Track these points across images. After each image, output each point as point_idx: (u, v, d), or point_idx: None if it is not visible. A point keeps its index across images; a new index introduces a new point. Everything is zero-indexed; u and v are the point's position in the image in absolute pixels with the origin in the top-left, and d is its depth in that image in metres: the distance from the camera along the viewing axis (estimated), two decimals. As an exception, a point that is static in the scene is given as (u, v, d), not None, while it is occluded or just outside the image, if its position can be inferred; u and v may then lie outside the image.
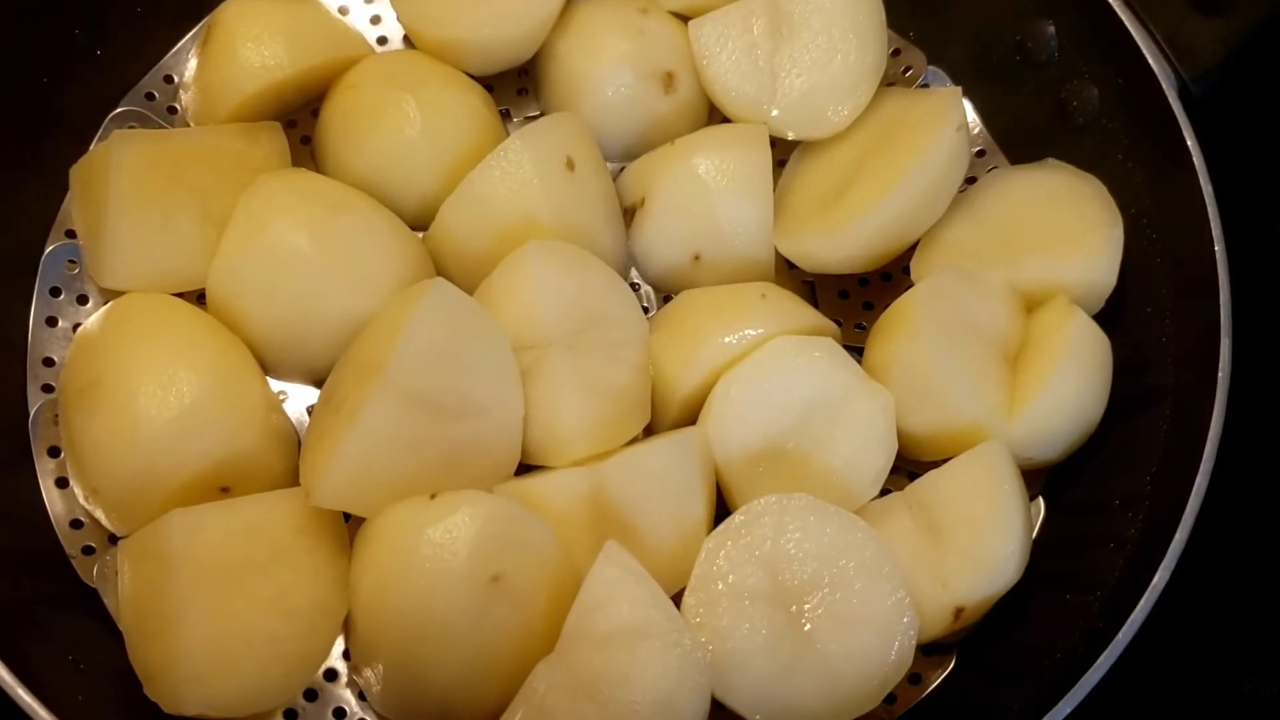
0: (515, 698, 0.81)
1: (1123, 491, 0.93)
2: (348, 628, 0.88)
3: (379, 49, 1.15)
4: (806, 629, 0.85)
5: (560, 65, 1.09)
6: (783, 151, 1.08)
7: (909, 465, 0.97)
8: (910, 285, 1.05)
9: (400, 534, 0.85)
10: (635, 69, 1.07)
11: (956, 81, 1.14)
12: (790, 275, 1.07)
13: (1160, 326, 0.97)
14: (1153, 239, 0.99)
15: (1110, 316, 0.98)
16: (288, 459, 0.94)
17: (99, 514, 0.91)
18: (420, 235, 1.02)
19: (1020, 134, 1.11)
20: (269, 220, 0.95)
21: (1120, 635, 0.81)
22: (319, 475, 0.86)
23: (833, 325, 1.00)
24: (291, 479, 0.93)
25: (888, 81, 1.08)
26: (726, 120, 1.09)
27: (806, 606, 0.85)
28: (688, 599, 0.86)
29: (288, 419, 0.97)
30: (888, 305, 1.06)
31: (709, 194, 1.01)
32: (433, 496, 0.85)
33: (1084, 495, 0.96)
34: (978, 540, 0.88)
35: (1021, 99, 1.10)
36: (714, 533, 0.87)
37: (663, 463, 0.90)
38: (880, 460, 0.93)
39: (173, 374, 0.89)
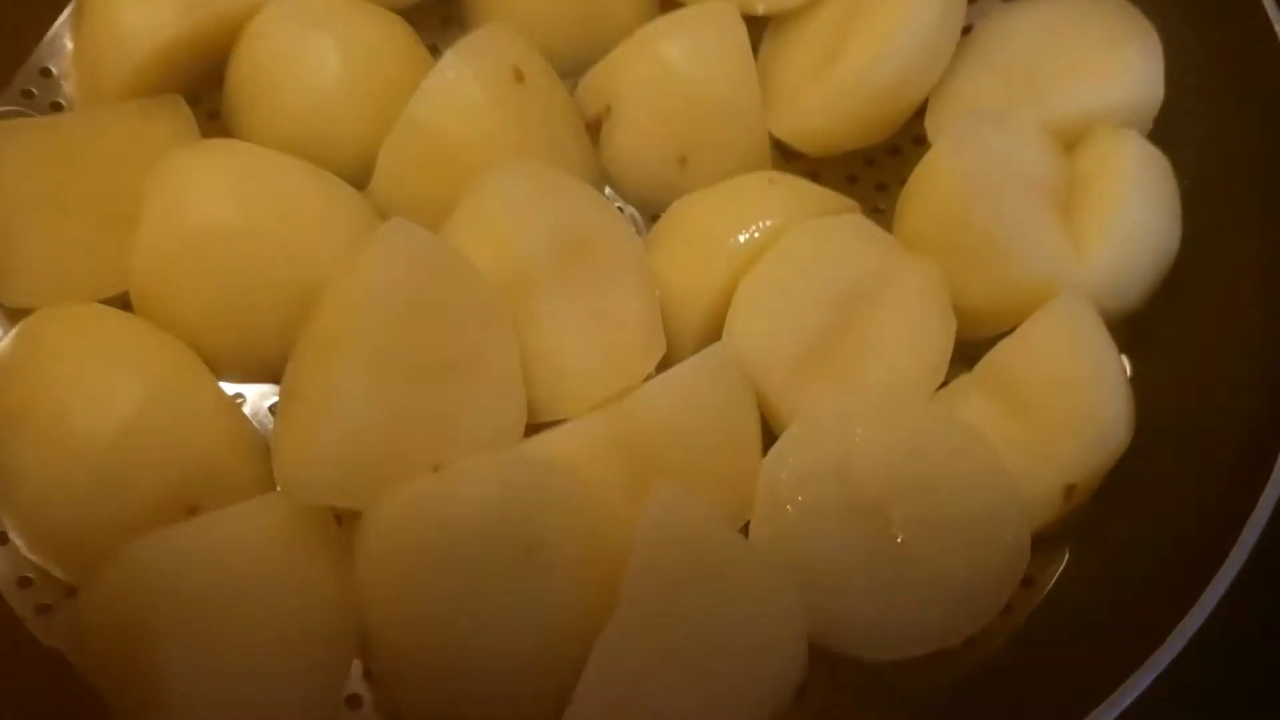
0: (585, 675, 0.67)
1: (1221, 333, 0.80)
2: (364, 644, 0.74)
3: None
4: (900, 541, 0.72)
5: (488, -20, 0.96)
6: (755, 30, 0.94)
7: (969, 345, 0.84)
8: (924, 155, 0.93)
9: (407, 519, 0.72)
10: (573, -34, 0.94)
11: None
12: (789, 167, 0.94)
13: (1225, 141, 0.84)
14: (1195, 44, 0.86)
15: (1162, 140, 0.86)
16: (258, 466, 0.80)
17: (49, 564, 0.77)
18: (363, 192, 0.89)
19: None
20: (185, 199, 0.82)
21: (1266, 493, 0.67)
22: (295, 469, 0.73)
23: (853, 202, 0.87)
24: (266, 487, 0.78)
25: (854, -70, 0.95)
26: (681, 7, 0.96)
27: (895, 515, 0.72)
28: (756, 530, 0.73)
29: (248, 422, 0.83)
30: (903, 182, 0.94)
31: (686, 84, 0.88)
32: (436, 469, 0.71)
33: (1173, 344, 0.83)
34: (1076, 404, 0.76)
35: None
36: (771, 450, 0.74)
37: (693, 386, 0.77)
38: (940, 342, 0.80)
39: (106, 386, 0.76)
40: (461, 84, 0.84)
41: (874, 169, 0.97)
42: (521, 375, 0.78)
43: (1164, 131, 0.87)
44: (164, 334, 0.81)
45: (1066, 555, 0.80)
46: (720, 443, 0.76)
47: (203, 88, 0.96)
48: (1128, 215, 0.80)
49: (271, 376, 0.84)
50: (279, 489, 0.76)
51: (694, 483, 0.75)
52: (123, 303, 0.83)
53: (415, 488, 0.72)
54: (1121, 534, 0.79)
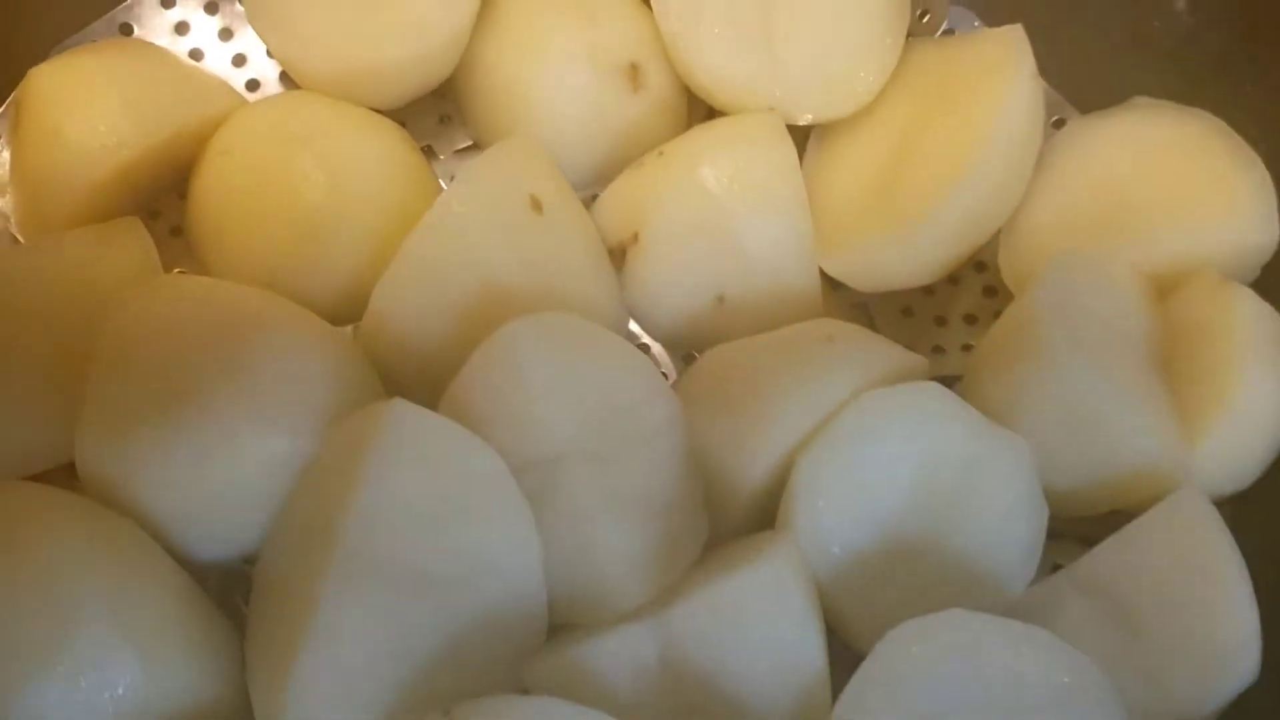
0: None
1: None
2: None
3: (250, 96, 0.89)
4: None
5: (492, 77, 0.85)
6: (797, 141, 0.82)
7: (1056, 523, 0.72)
8: (988, 281, 0.83)
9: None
10: (591, 64, 0.83)
11: (987, 20, 0.90)
12: (833, 297, 0.83)
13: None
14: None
15: (1267, 285, 0.75)
16: (232, 679, 0.67)
17: None
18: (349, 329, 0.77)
19: (1087, 72, 0.87)
20: (139, 357, 0.70)
21: None
22: (281, 709, 0.61)
23: (922, 360, 0.75)
24: (241, 707, 0.66)
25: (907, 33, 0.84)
26: (715, 115, 0.84)
27: (996, 771, 0.61)
28: (834, 793, 0.61)
29: (218, 618, 0.70)
30: (964, 315, 0.83)
31: (726, 213, 0.77)
32: (447, 714, 0.59)
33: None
34: (1196, 629, 0.65)
35: (1081, 27, 0.86)
36: (846, 691, 0.62)
37: (750, 593, 0.65)
38: (1031, 535, 0.69)
39: (49, 588, 0.63)
40: (472, 218, 0.73)
41: (931, 299, 0.86)
42: (544, 578, 0.66)
43: (1273, 281, 0.76)
44: (107, 511, 0.68)
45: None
46: (783, 668, 0.64)
47: (164, 200, 0.84)
48: (1245, 391, 0.70)
49: (245, 555, 0.72)
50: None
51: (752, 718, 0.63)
52: (70, 472, 0.71)
53: (421, 734, 0.60)
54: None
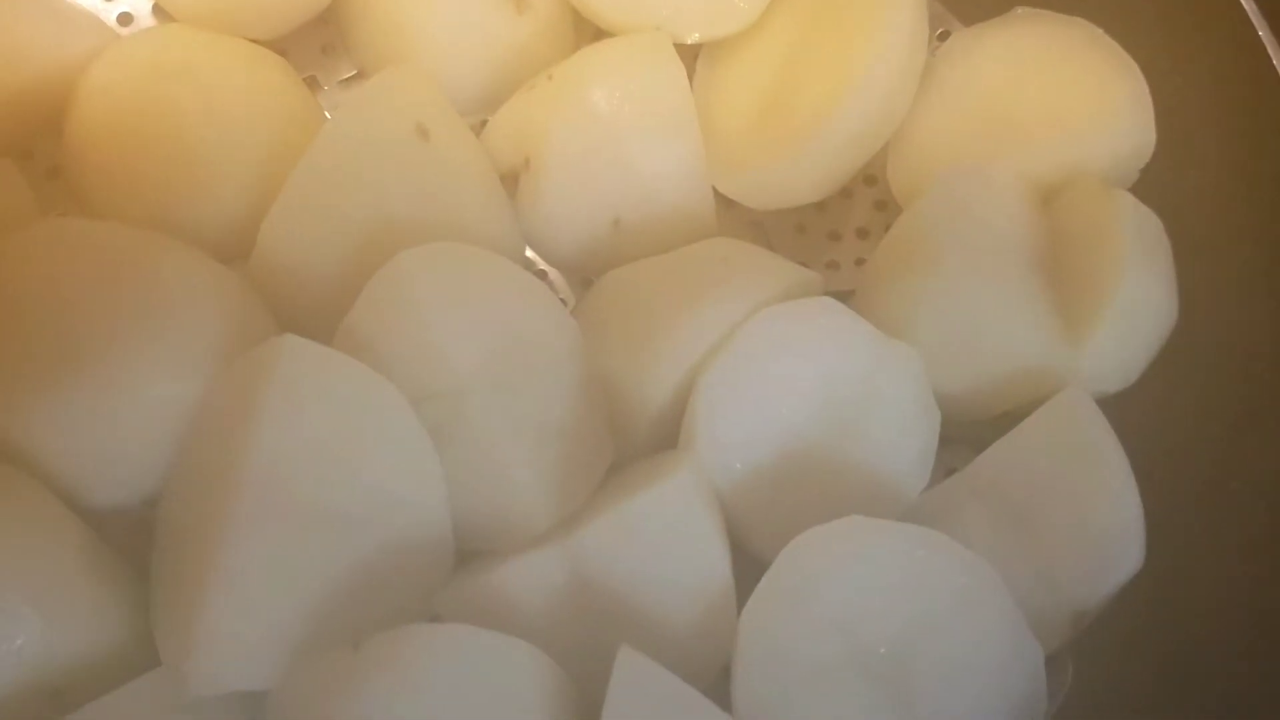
0: None
1: (1221, 408, 0.72)
2: None
3: (123, 31, 0.85)
4: (904, 698, 0.62)
5: (373, 7, 0.82)
6: (686, 62, 0.81)
7: (950, 430, 0.73)
8: (879, 195, 0.84)
9: (323, 705, 0.59)
10: (474, -12, 0.81)
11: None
12: (728, 217, 0.83)
13: (1213, 189, 0.75)
14: (1177, 82, 0.77)
15: (1148, 194, 0.77)
16: (136, 627, 0.66)
17: None
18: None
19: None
20: (22, 296, 0.67)
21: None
22: (185, 652, 0.60)
23: (815, 276, 0.76)
24: (150, 660, 0.65)
25: (793, -53, 0.83)
26: (603, 36, 0.83)
27: (897, 667, 0.63)
28: (738, 693, 0.63)
29: (120, 565, 0.69)
30: (857, 229, 0.84)
31: (618, 136, 0.76)
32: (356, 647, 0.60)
33: (1168, 422, 0.75)
34: (1084, 524, 0.67)
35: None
36: (751, 599, 0.64)
37: (655, 512, 0.66)
38: (925, 440, 0.71)
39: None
40: (357, 148, 0.72)
41: (824, 215, 0.86)
42: (448, 508, 0.66)
43: (1152, 184, 0.78)
44: (9, 468, 0.66)
45: (1071, 670, 0.72)
46: (690, 583, 0.66)
47: (38, 140, 0.81)
48: (1127, 292, 0.71)
49: (144, 500, 0.70)
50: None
51: (662, 632, 0.64)
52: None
53: (330, 667, 0.60)
54: (1128, 639, 0.71)
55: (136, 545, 0.72)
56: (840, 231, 0.86)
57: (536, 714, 0.60)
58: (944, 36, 0.89)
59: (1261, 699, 0.65)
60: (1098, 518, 0.68)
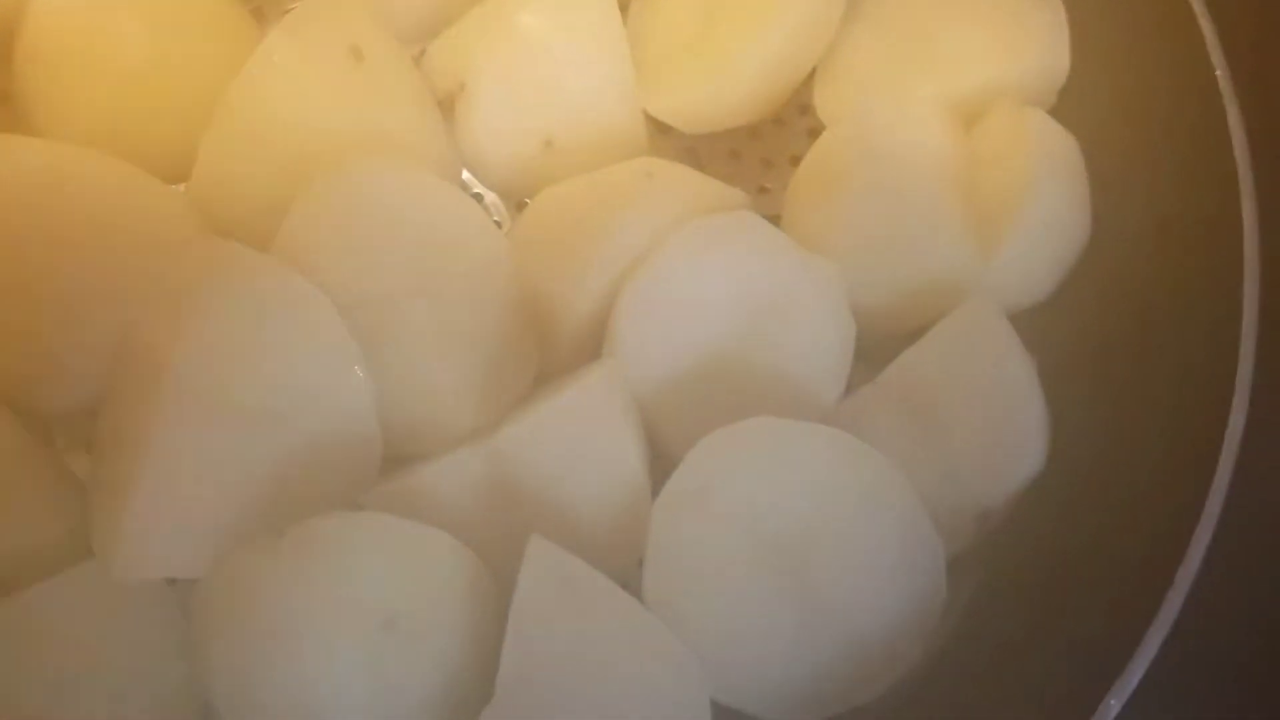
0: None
1: (1132, 325, 0.74)
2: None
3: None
4: (811, 591, 0.65)
5: (314, -67, 0.84)
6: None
7: (869, 345, 0.76)
8: (811, 124, 0.86)
9: (249, 591, 0.62)
10: (409, -82, 0.83)
11: None
12: (664, 143, 0.85)
13: (1131, 111, 0.77)
14: (1097, 6, 0.79)
15: (1066, 115, 0.79)
16: (72, 522, 0.69)
17: None
18: (181, 189, 0.77)
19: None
20: (-35, 211, 0.69)
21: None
22: (113, 539, 0.63)
23: (739, 194, 0.78)
24: (85, 551, 0.68)
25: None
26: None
27: (804, 562, 0.65)
28: (649, 585, 0.65)
29: (61, 466, 0.71)
30: (789, 157, 0.86)
31: (548, 58, 0.79)
32: (280, 535, 0.62)
33: (1083, 339, 0.77)
34: (988, 426, 0.70)
35: None
36: (662, 493, 0.66)
37: (574, 415, 0.69)
38: (840, 349, 0.73)
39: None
40: (290, 68, 0.74)
41: (758, 142, 0.88)
42: (374, 410, 0.68)
43: (1069, 105, 0.80)
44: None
45: (980, 574, 0.74)
46: (602, 482, 0.68)
47: (-14, 64, 0.83)
48: (1036, 206, 0.74)
49: (87, 408, 0.73)
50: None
51: (578, 526, 0.67)
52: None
53: (254, 555, 0.62)
54: (1037, 548, 0.73)
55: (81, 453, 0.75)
56: (773, 159, 0.88)
57: (454, 600, 0.63)
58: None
59: (1157, 603, 0.66)
60: (1001, 420, 0.70)
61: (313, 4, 0.76)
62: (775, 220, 0.79)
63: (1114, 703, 0.60)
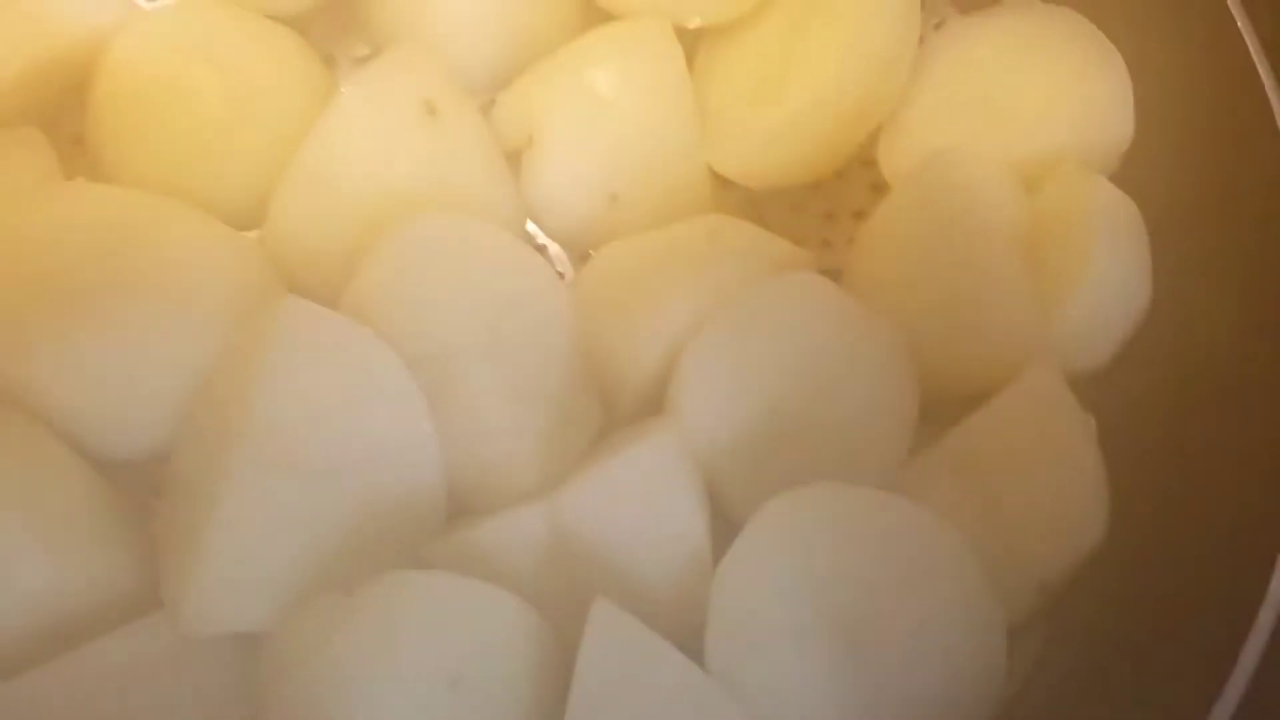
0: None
1: (1196, 389, 0.74)
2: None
3: (147, 5, 0.89)
4: (867, 658, 0.65)
5: (388, -16, 0.85)
6: (688, 45, 0.85)
7: (931, 405, 0.76)
8: (874, 178, 0.87)
9: (317, 648, 0.63)
10: (484, -28, 0.84)
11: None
12: (727, 197, 0.86)
13: (1196, 182, 0.77)
14: (1163, 75, 0.79)
15: (1129, 181, 0.79)
16: (139, 572, 0.70)
17: None
18: (252, 235, 0.79)
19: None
20: (45, 258, 0.72)
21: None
22: (184, 592, 0.64)
23: (804, 253, 0.79)
24: (153, 602, 0.69)
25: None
26: (608, 18, 0.86)
27: (867, 631, 0.65)
28: (711, 651, 0.66)
29: (127, 515, 0.73)
30: (851, 211, 0.87)
31: (616, 115, 0.80)
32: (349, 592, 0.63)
33: (1145, 403, 0.77)
34: (1048, 497, 0.70)
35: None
36: (724, 559, 0.67)
37: (637, 475, 0.69)
38: (903, 413, 0.73)
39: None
40: (364, 122, 0.75)
41: (819, 196, 0.89)
42: (440, 465, 0.69)
43: (1133, 171, 0.80)
44: (13, 412, 0.70)
45: (1039, 646, 0.74)
46: (668, 543, 0.69)
47: (63, 110, 0.84)
48: (1098, 273, 0.74)
49: (156, 453, 0.74)
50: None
51: (639, 589, 0.67)
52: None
53: (322, 611, 0.63)
54: (1098, 615, 0.73)
55: (148, 499, 0.76)
56: (835, 212, 0.88)
57: (517, 660, 0.64)
58: (939, 26, 0.91)
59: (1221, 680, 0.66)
60: (1063, 492, 0.70)
61: (387, 58, 0.78)
62: (837, 275, 0.80)
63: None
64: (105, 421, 0.72)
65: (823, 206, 0.89)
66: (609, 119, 0.80)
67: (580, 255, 0.86)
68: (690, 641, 0.67)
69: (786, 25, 0.83)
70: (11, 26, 0.77)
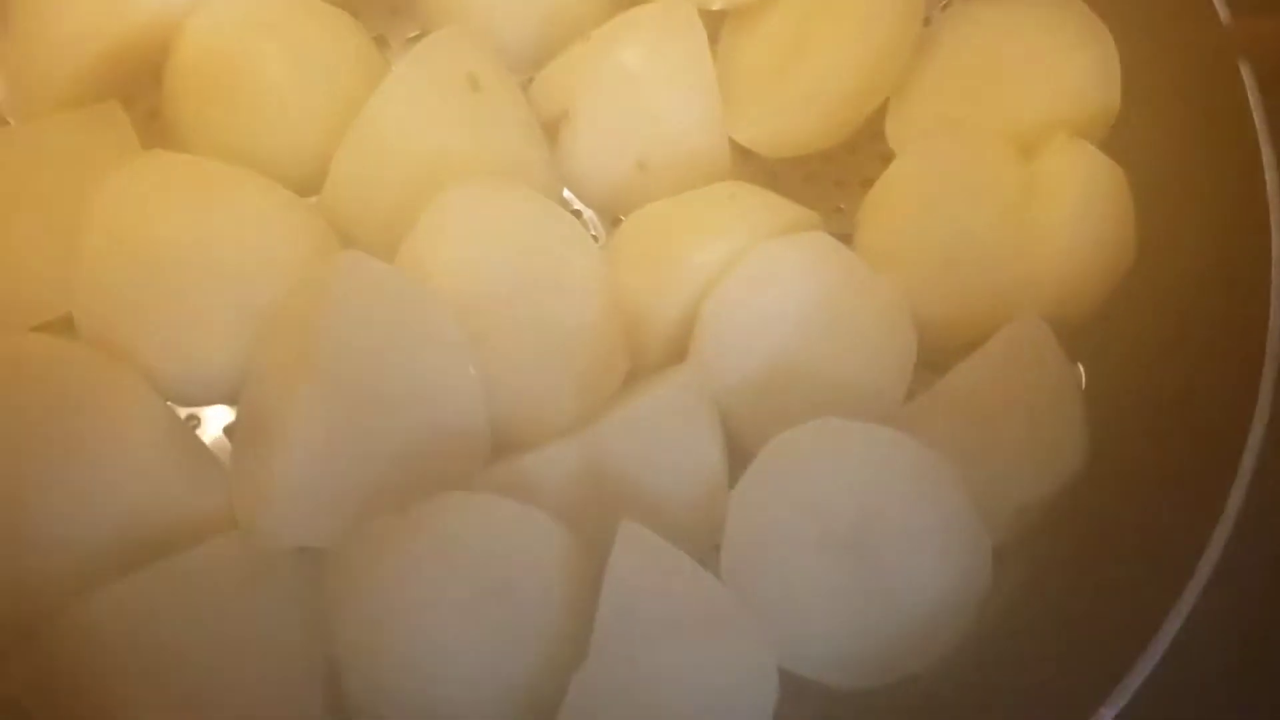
0: (560, 717, 0.68)
1: (1175, 345, 0.81)
2: (333, 685, 0.73)
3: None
4: (870, 570, 0.73)
5: (436, -28, 0.93)
6: (711, 28, 0.92)
7: (929, 355, 0.84)
8: (881, 150, 0.93)
9: (374, 561, 0.71)
10: (526, -42, 0.91)
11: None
12: (747, 167, 0.93)
13: (1181, 151, 0.84)
14: (1152, 52, 0.86)
15: (1118, 149, 0.86)
16: (215, 498, 0.78)
17: None
18: (312, 201, 0.86)
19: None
20: (129, 217, 0.79)
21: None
22: (254, 511, 0.72)
23: (813, 214, 0.86)
24: (226, 522, 0.77)
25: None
26: (640, 4, 0.93)
27: (864, 544, 0.73)
28: (726, 562, 0.73)
29: (204, 450, 0.81)
30: (861, 180, 0.93)
31: (644, 90, 0.87)
32: (403, 511, 0.71)
33: (1128, 354, 0.84)
34: (1030, 430, 0.77)
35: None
36: (739, 484, 0.74)
37: (661, 413, 0.77)
38: (902, 359, 0.81)
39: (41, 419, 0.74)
40: (416, 96, 0.82)
41: (832, 165, 0.96)
42: (484, 403, 0.77)
43: (1120, 140, 0.87)
44: (105, 358, 0.78)
45: (1024, 568, 0.82)
46: (686, 472, 0.76)
47: (140, 86, 0.92)
48: (1082, 230, 0.81)
49: (227, 399, 0.83)
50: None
51: (663, 512, 0.75)
52: (67, 325, 0.80)
53: (381, 528, 0.71)
54: (1079, 544, 0.80)
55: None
56: (846, 180, 0.95)
57: (553, 572, 0.71)
58: (946, 7, 0.98)
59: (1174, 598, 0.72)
60: (1044, 426, 0.77)
61: (435, 37, 0.85)
62: (848, 238, 0.87)
63: (1104, 712, 0.67)
64: (185, 367, 0.79)
65: (834, 175, 0.96)
66: (637, 94, 0.87)
67: (612, 220, 0.93)
68: (708, 557, 0.74)
69: (802, 9, 0.90)
70: (94, 8, 0.84)
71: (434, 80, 0.83)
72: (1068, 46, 0.86)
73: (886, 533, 0.72)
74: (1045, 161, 0.85)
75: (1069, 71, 0.86)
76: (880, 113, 0.91)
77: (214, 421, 0.86)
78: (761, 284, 0.79)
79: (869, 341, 0.80)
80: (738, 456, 0.78)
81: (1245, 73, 0.79)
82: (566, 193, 0.92)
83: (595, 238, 0.92)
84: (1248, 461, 0.70)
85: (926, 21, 0.93)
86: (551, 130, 0.91)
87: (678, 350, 0.82)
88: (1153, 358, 0.83)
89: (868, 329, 0.80)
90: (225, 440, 0.85)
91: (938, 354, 0.83)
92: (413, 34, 0.97)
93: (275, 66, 0.86)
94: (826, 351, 0.79)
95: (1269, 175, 0.76)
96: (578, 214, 0.93)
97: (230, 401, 0.83)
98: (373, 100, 0.82)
